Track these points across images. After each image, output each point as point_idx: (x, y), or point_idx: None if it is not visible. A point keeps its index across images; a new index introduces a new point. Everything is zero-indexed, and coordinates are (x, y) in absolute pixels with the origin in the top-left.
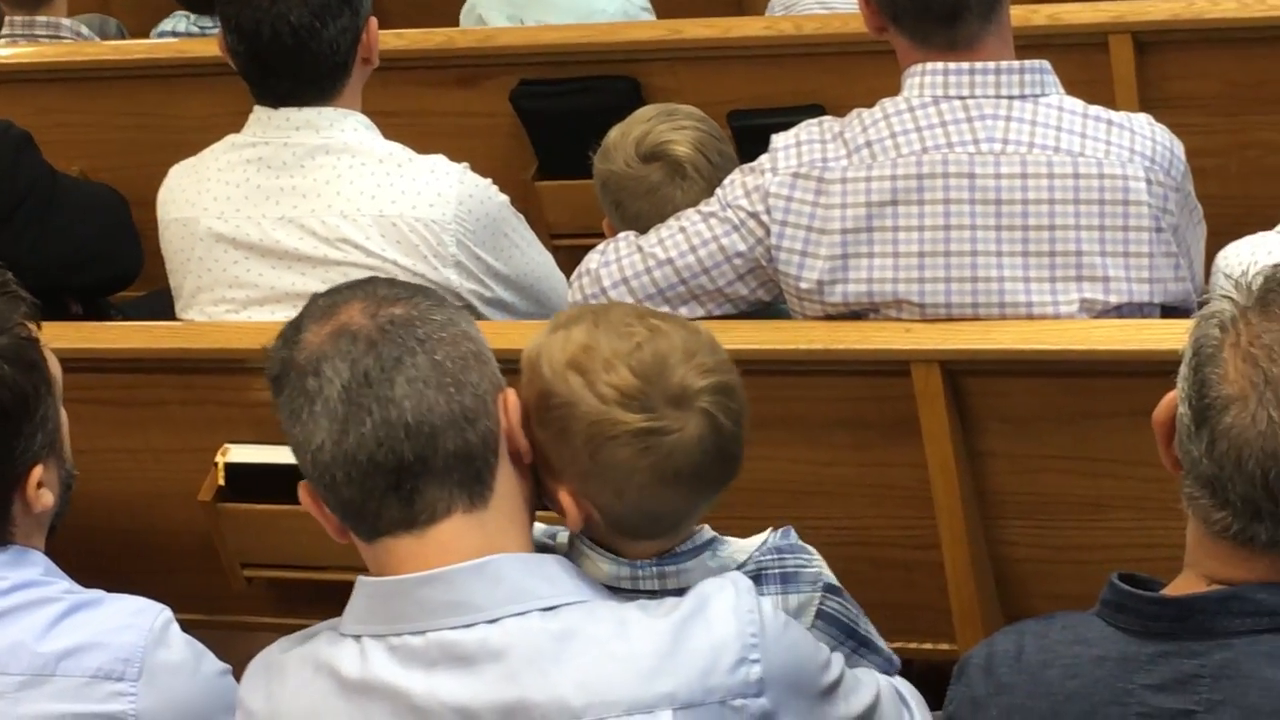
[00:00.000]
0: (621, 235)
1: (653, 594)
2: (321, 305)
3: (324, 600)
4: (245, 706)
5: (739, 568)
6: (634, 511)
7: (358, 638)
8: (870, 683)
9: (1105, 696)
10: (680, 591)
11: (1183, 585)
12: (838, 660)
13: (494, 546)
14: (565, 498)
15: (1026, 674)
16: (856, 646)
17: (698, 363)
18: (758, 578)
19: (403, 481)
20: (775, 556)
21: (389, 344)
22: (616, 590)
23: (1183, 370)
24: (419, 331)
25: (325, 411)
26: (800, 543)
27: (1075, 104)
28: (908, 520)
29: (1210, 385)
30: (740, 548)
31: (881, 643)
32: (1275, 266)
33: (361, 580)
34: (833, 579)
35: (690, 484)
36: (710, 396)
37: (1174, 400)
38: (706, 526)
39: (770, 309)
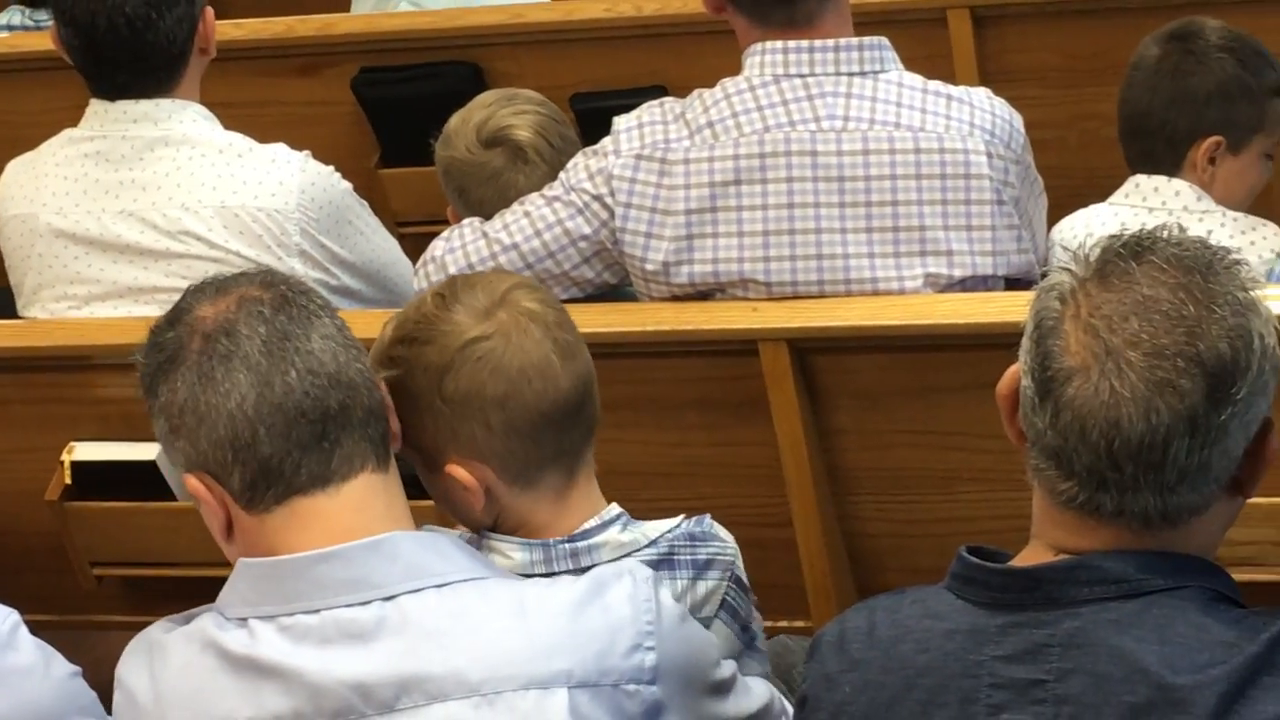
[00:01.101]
0: (466, 221)
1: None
2: (209, 288)
3: (177, 597)
4: (125, 686)
5: (650, 544)
6: (512, 440)
7: (243, 620)
8: (762, 691)
9: (957, 669)
10: (591, 570)
11: (1030, 556)
12: (729, 662)
13: (395, 514)
14: (455, 468)
15: (879, 649)
16: (749, 640)
17: (508, 275)
18: (670, 561)
19: (327, 430)
20: (688, 542)
21: (295, 307)
22: (530, 577)
23: (1025, 343)
24: (316, 299)
25: (246, 365)
26: (716, 531)
27: (915, 79)
28: (759, 499)
29: (1052, 357)
30: (653, 527)
31: (763, 645)
32: (1113, 237)
33: (246, 563)
34: (742, 572)
35: (543, 385)
36: (515, 293)
37: (1017, 373)
38: (615, 505)
39: (617, 292)
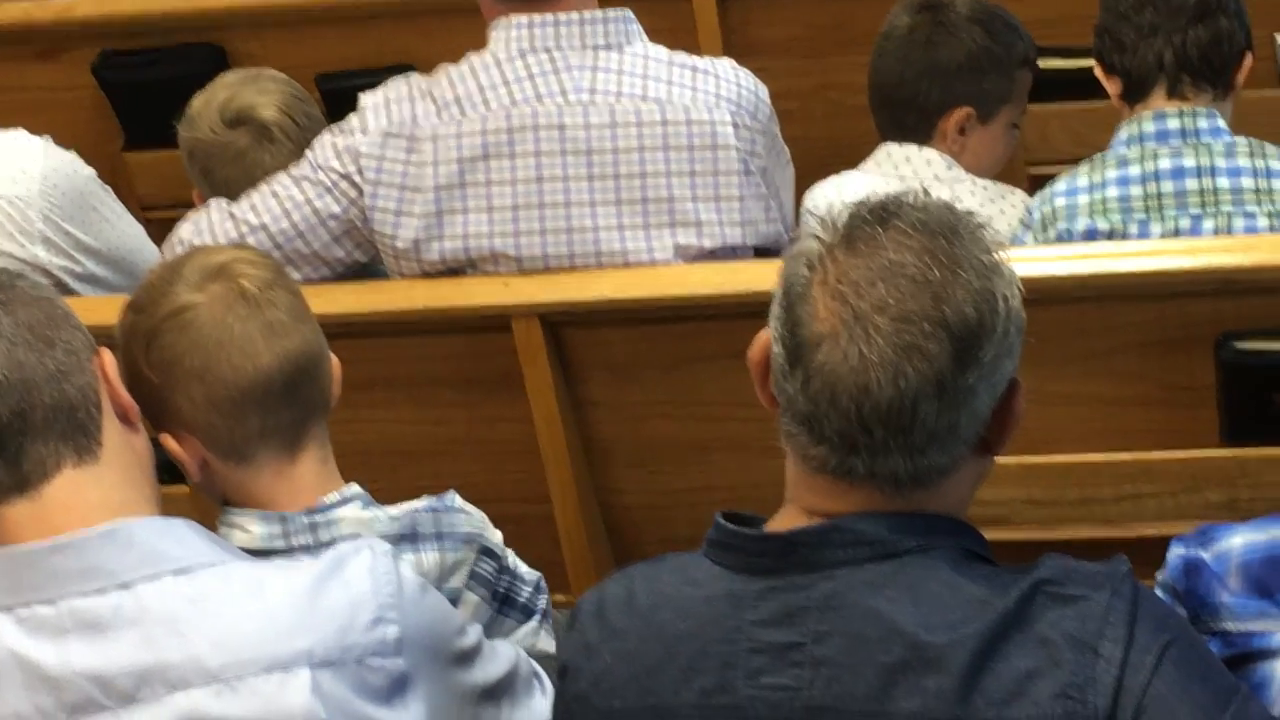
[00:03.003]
0: (213, 203)
1: (306, 550)
2: None
3: None
4: None
5: (392, 521)
6: (213, 414)
7: None
8: (507, 655)
9: (716, 635)
10: (330, 546)
11: (784, 520)
12: (475, 629)
13: (116, 503)
14: (167, 439)
15: (638, 618)
16: (500, 607)
17: (239, 249)
18: (413, 535)
19: (6, 442)
20: (431, 514)
21: None
22: (270, 554)
23: (774, 309)
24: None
25: None
26: (461, 505)
27: (660, 52)
28: (517, 474)
29: (802, 324)
30: (395, 508)
31: (535, 602)
32: (860, 203)
33: None
34: (491, 542)
35: (242, 361)
36: (234, 266)
37: (768, 339)
38: (355, 485)
39: (368, 270)
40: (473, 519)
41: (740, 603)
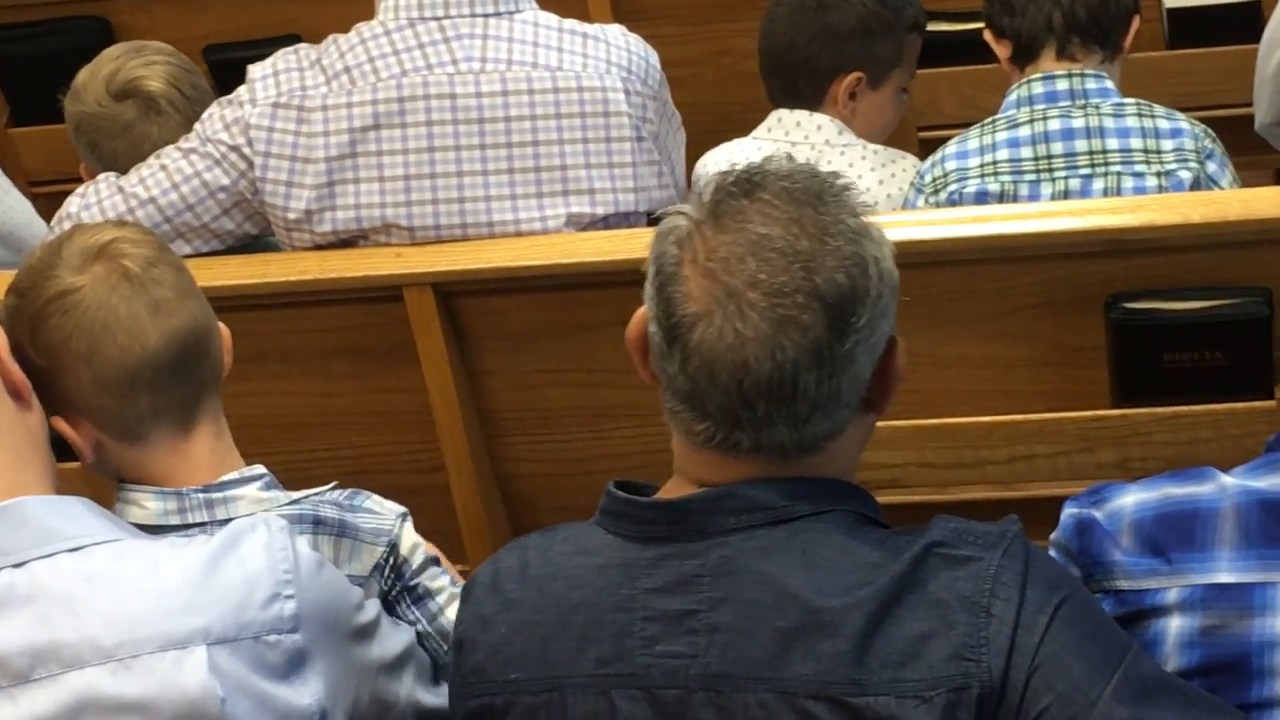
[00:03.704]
0: (101, 177)
1: (202, 527)
2: None
3: None
4: None
5: (292, 503)
6: (103, 396)
7: None
8: (407, 629)
9: (610, 604)
10: (227, 524)
11: (675, 489)
12: (373, 604)
13: (8, 483)
14: (59, 422)
15: (532, 588)
16: (412, 602)
17: (120, 226)
18: (314, 519)
19: None
20: (335, 507)
21: None
22: (166, 530)
23: (648, 289)
24: None
25: None
26: (373, 506)
27: (550, 19)
28: (411, 445)
29: (675, 304)
30: (299, 493)
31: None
32: (724, 174)
33: None
34: (403, 539)
35: (129, 342)
36: (115, 246)
37: (644, 317)
38: (260, 466)
39: (259, 243)
40: (381, 519)
41: (634, 571)
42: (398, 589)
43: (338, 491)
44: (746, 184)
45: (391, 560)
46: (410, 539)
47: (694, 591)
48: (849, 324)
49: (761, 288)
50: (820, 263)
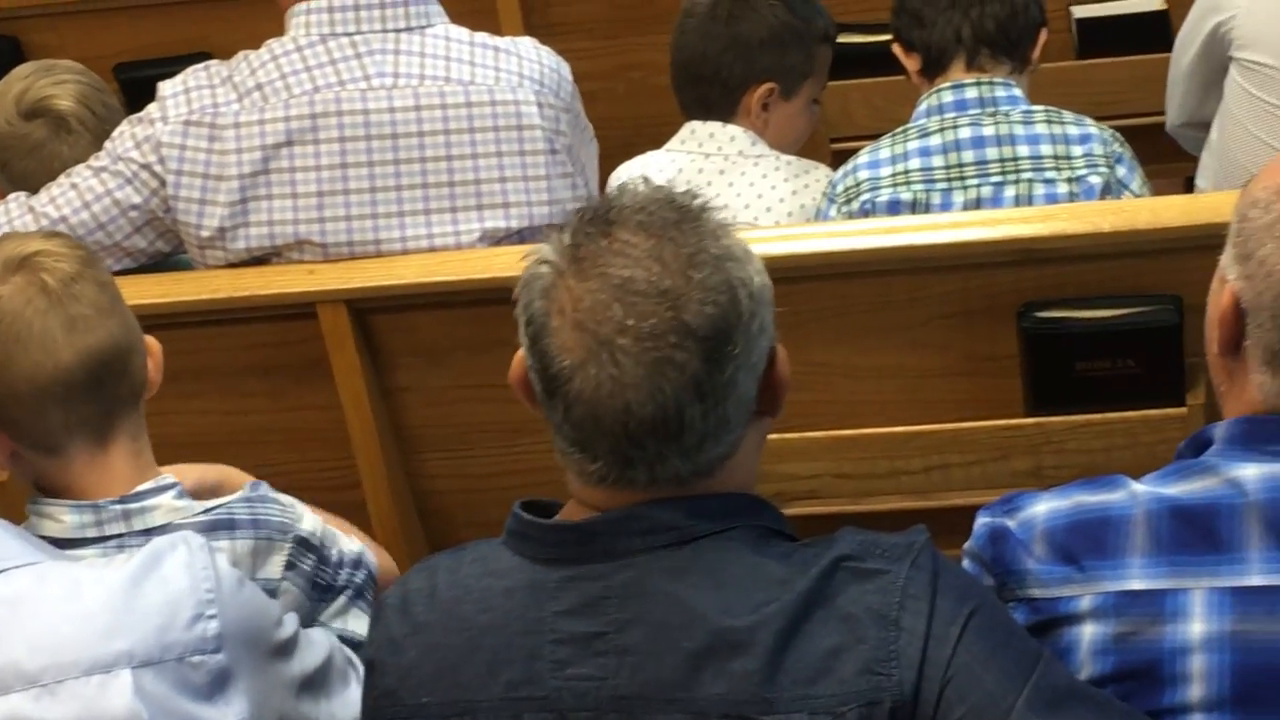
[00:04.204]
0: (11, 196)
1: (120, 538)
2: None
3: None
4: None
5: (206, 512)
6: (15, 409)
7: None
8: (322, 642)
9: (519, 627)
10: (148, 534)
11: (576, 511)
12: (291, 620)
13: None
14: None
15: (441, 611)
16: (319, 595)
17: (46, 238)
18: (229, 523)
19: None
20: (245, 504)
21: None
22: (83, 543)
23: (522, 337)
24: None
25: None
26: (274, 495)
27: (462, 33)
28: (327, 462)
29: (551, 356)
30: (211, 501)
31: (353, 578)
32: (579, 214)
33: None
34: (305, 531)
35: (42, 358)
36: (38, 258)
37: (523, 360)
38: (171, 474)
39: (170, 261)
40: (287, 509)
41: (542, 593)
42: (323, 579)
43: (243, 490)
44: (603, 222)
45: (303, 551)
46: (310, 523)
47: (602, 613)
48: (725, 353)
49: (631, 333)
50: (687, 298)
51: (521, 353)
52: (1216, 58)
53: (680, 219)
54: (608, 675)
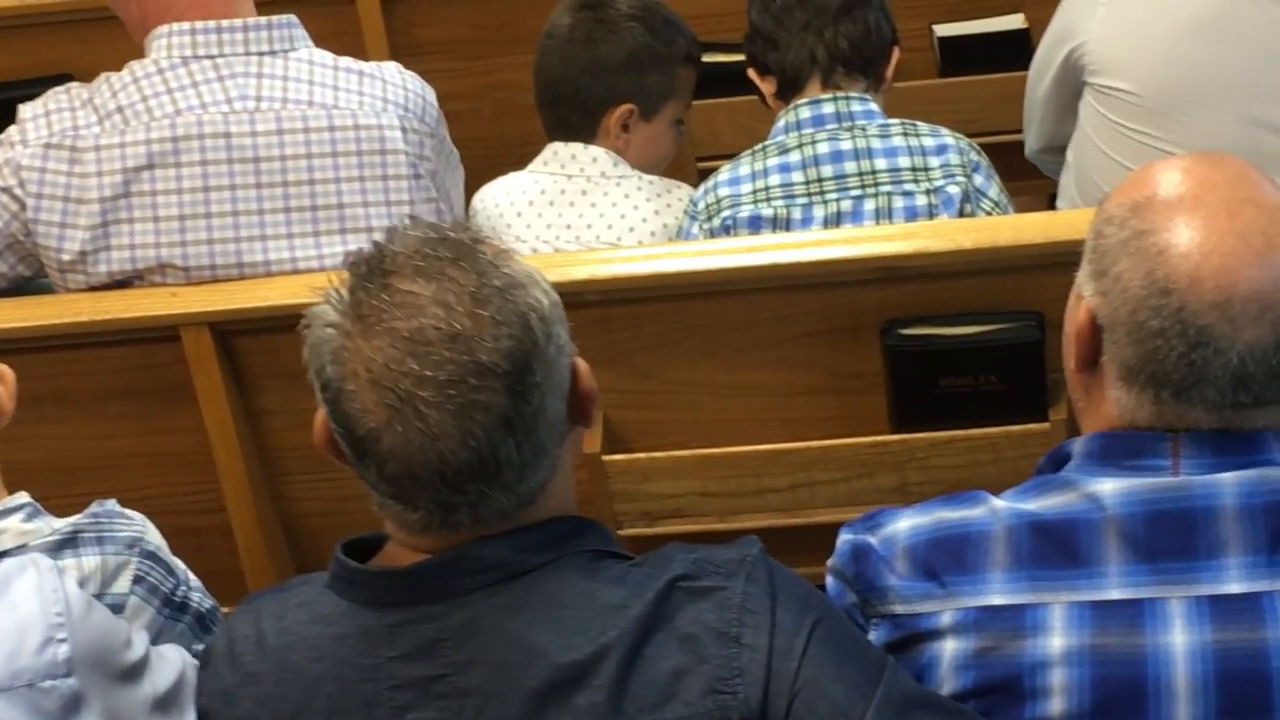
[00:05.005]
0: None
1: None
2: None
3: None
4: None
5: (54, 533)
6: None
7: None
8: (175, 660)
9: (354, 675)
10: None
11: (400, 555)
12: (141, 639)
13: None
14: None
15: (272, 660)
16: (171, 613)
17: None
18: (74, 540)
19: None
20: (92, 520)
21: None
22: None
23: (321, 403)
24: None
25: None
26: (121, 510)
27: (326, 57)
28: (192, 486)
29: (354, 420)
30: (60, 520)
31: (204, 603)
32: (352, 266)
33: None
34: (153, 545)
35: None
36: None
37: (325, 420)
38: (23, 494)
39: (31, 285)
40: (133, 523)
41: (374, 639)
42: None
43: (91, 508)
44: (380, 274)
45: (152, 565)
46: (157, 539)
47: (438, 656)
48: (529, 383)
49: (431, 385)
50: (480, 338)
51: (321, 414)
52: (1071, 83)
53: (456, 256)
54: (450, 718)
